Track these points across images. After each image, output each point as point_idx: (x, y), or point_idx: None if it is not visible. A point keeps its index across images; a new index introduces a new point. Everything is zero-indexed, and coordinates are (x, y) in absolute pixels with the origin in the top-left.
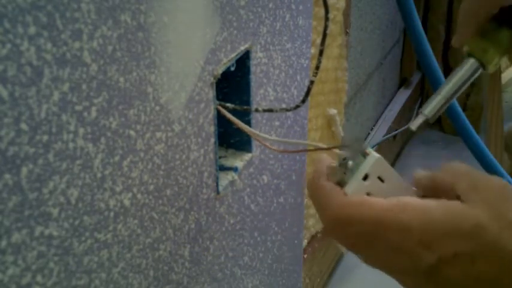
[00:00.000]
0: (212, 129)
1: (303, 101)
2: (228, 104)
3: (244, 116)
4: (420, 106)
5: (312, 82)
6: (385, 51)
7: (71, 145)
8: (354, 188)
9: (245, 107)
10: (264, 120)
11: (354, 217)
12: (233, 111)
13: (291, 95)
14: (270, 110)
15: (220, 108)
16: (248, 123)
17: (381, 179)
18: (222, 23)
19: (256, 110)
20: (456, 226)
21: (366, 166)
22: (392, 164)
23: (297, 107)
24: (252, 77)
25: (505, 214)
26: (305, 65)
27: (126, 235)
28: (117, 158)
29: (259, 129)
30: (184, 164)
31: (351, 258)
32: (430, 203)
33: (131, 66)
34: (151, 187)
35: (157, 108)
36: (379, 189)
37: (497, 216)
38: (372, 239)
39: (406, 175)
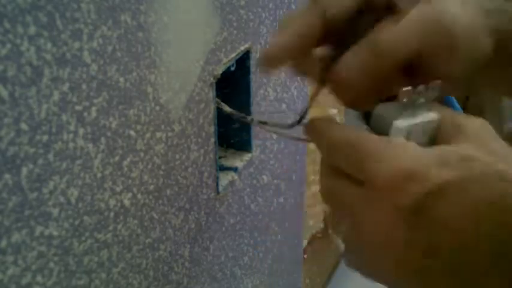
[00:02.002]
0: (212, 129)
1: (299, 122)
2: (227, 108)
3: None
4: None
5: (307, 108)
6: None
7: (71, 145)
8: (405, 124)
9: (241, 115)
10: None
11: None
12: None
13: (291, 95)
14: (265, 123)
15: (218, 100)
16: (248, 125)
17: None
18: (222, 23)
19: (252, 121)
20: (444, 159)
21: (428, 116)
22: None
23: (292, 126)
24: (252, 77)
25: (495, 150)
26: None
27: (126, 235)
28: (117, 158)
29: (257, 130)
30: (184, 164)
31: None
32: (416, 147)
33: (131, 66)
34: (151, 187)
35: (157, 108)
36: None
37: (489, 152)
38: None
39: None
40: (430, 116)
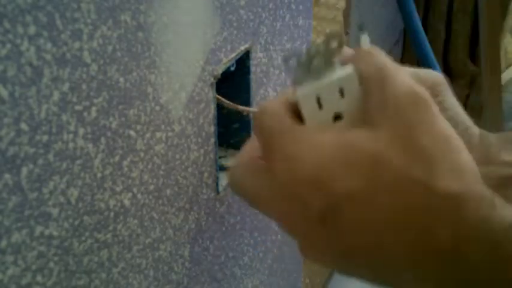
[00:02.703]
0: (212, 129)
1: None
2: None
3: (244, 116)
4: None
5: None
6: (385, 51)
7: (71, 145)
8: (307, 91)
9: (241, 108)
10: None
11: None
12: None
13: None
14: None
15: (218, 97)
16: (248, 123)
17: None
18: (222, 23)
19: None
20: (350, 162)
21: (334, 76)
22: None
23: None
24: (252, 77)
25: (415, 142)
26: None
27: (126, 235)
28: (117, 158)
29: None
30: (184, 164)
31: None
32: (325, 137)
33: (131, 66)
34: (151, 187)
35: (157, 108)
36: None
37: (406, 146)
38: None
39: None
40: (342, 72)
